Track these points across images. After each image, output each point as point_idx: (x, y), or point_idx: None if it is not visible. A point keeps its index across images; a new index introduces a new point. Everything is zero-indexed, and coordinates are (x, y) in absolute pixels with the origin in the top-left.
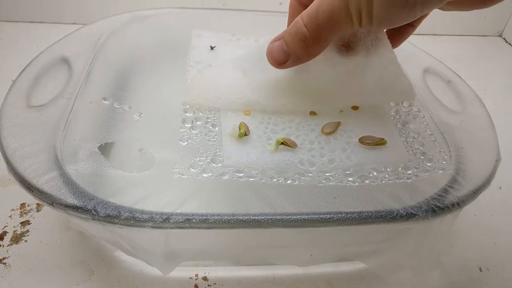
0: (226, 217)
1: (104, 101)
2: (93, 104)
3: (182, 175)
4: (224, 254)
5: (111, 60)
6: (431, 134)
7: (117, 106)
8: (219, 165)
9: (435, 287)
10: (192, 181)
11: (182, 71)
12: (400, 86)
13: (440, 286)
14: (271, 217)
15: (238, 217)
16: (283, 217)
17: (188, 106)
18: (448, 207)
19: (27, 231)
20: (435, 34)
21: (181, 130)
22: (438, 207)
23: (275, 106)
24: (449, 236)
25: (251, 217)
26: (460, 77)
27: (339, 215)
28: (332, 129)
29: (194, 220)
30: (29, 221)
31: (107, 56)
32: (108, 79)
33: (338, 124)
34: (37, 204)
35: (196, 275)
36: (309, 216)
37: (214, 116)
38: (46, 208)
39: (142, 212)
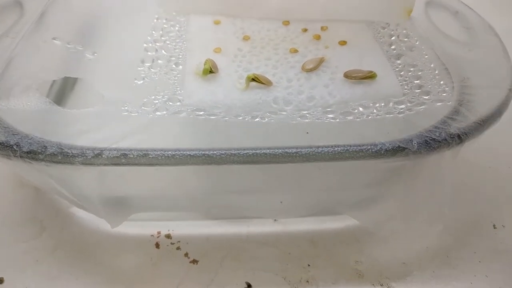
0: (170, 152)
1: (54, 41)
2: (41, 44)
3: (131, 113)
4: (181, 203)
5: (70, 4)
6: (431, 65)
7: (69, 46)
8: (178, 103)
9: (437, 243)
10: (142, 119)
11: (149, 17)
12: None
13: (443, 243)
14: (224, 151)
15: (185, 152)
16: (239, 151)
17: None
18: (446, 139)
19: None
20: None
21: (139, 68)
22: (433, 139)
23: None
24: (451, 182)
25: (200, 152)
26: (469, 7)
27: (308, 149)
28: (314, 65)
29: (131, 156)
30: None
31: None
32: (63, 21)
33: (322, 59)
34: None
35: (159, 233)
36: (271, 151)
37: (179, 55)
38: None
39: (71, 147)
